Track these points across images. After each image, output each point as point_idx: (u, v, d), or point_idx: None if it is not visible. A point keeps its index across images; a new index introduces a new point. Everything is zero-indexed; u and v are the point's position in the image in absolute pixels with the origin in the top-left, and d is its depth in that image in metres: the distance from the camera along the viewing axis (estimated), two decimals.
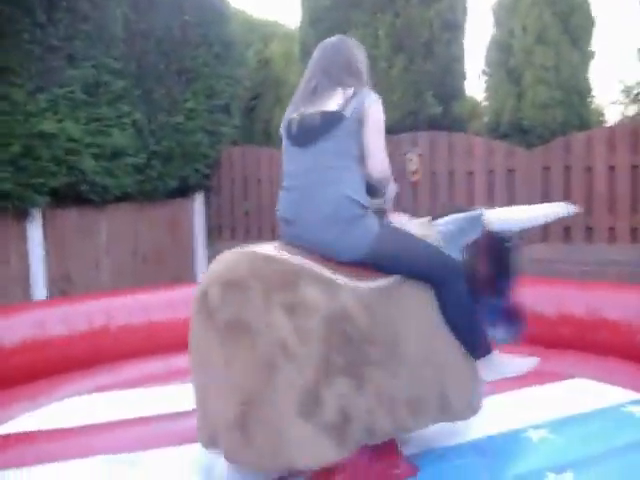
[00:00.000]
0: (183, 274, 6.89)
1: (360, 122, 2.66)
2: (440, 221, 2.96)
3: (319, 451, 2.38)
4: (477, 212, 2.95)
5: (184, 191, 6.98)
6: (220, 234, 7.27)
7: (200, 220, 7.26)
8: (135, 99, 6.11)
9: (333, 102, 2.73)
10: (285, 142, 2.83)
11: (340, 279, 2.56)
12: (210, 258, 7.19)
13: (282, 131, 2.85)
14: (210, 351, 2.43)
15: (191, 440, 3.00)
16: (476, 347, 2.79)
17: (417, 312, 2.67)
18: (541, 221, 3.06)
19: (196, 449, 2.93)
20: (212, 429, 2.46)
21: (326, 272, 2.56)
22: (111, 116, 5.83)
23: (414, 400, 2.62)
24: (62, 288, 5.63)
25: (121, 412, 3.44)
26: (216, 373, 2.42)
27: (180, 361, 4.48)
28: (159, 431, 3.18)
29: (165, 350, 4.58)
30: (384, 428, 2.55)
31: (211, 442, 2.49)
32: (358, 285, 2.58)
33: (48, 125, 5.22)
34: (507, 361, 2.90)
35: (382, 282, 2.63)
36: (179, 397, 3.65)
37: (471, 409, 2.81)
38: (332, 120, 2.67)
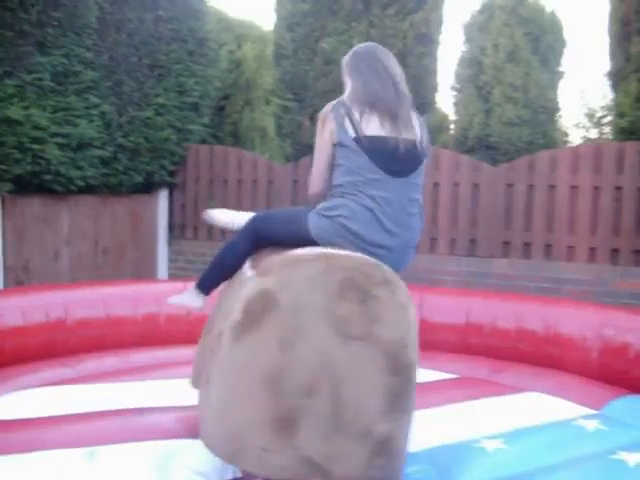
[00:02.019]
0: (143, 270, 6.82)
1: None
2: None
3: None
4: None
5: (149, 187, 6.92)
6: (182, 233, 7.22)
7: (163, 217, 7.20)
8: (105, 91, 6.04)
9: (415, 129, 2.72)
10: (365, 158, 2.60)
11: None
12: (171, 256, 7.14)
13: (355, 137, 2.62)
14: None
15: (147, 437, 2.98)
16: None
17: None
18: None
19: (152, 445, 2.92)
20: None
21: None
22: (79, 106, 5.75)
23: None
24: (19, 278, 5.53)
25: (76, 406, 3.39)
26: None
27: (137, 357, 4.47)
28: (115, 427, 3.14)
29: (123, 345, 4.54)
30: None
31: None
32: None
33: (14, 111, 5.13)
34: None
35: None
36: (136, 393, 3.63)
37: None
38: (422, 152, 2.73)
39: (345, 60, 2.89)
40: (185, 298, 3.10)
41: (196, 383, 2.96)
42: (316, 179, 2.75)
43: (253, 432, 2.38)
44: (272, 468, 2.39)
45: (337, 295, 2.39)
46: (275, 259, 2.50)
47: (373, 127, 2.62)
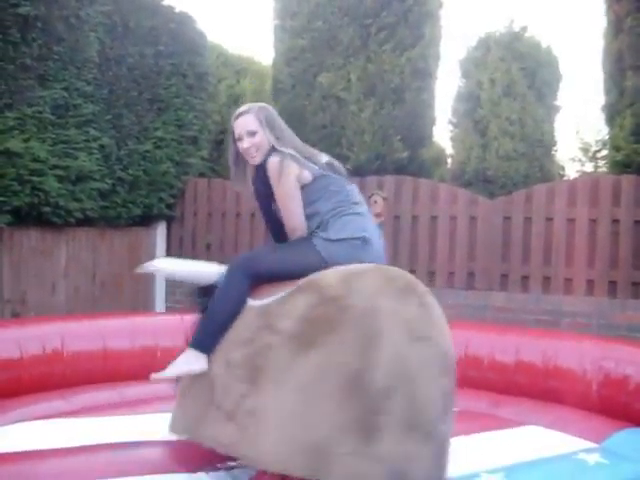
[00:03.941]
0: (141, 303, 6.80)
1: None
2: None
3: None
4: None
5: (147, 220, 6.93)
6: None
7: (161, 250, 7.19)
8: (104, 124, 6.09)
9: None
10: (336, 177, 2.95)
11: None
12: (168, 289, 7.12)
13: (320, 169, 2.93)
14: None
15: (139, 471, 2.94)
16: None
17: None
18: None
19: None
20: None
21: None
22: (79, 139, 5.78)
23: None
24: (16, 310, 5.50)
25: (71, 440, 3.35)
26: None
27: (133, 391, 4.42)
28: (108, 461, 3.09)
29: (120, 379, 4.49)
30: None
31: None
32: None
33: (14, 144, 5.16)
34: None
35: None
36: (131, 427, 3.59)
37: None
38: None
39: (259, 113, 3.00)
40: (182, 365, 2.80)
41: (180, 429, 2.92)
42: (300, 221, 2.85)
43: (338, 440, 2.38)
44: (360, 477, 2.39)
45: (402, 300, 2.58)
46: (331, 273, 2.65)
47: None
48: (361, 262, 2.74)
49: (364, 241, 2.82)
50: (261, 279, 2.80)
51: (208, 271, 3.04)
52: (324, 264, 2.74)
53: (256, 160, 2.92)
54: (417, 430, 2.42)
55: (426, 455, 2.44)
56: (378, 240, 2.91)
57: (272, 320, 2.66)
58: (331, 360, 2.45)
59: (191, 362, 2.77)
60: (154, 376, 2.83)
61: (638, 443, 3.56)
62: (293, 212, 2.84)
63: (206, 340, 2.79)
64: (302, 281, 2.68)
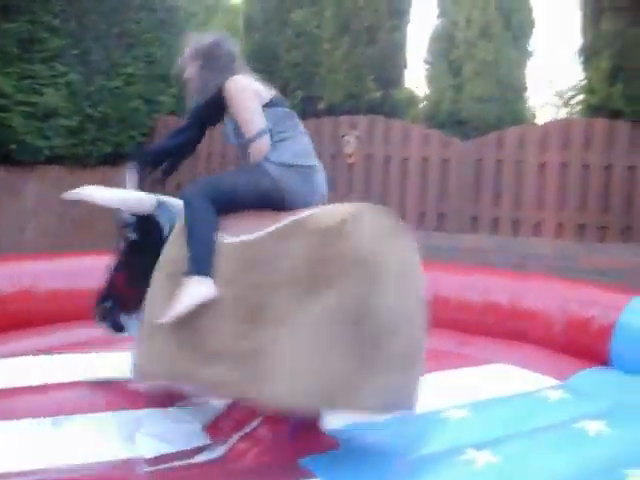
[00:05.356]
0: (110, 242, 6.74)
1: None
2: None
3: None
4: None
5: (117, 158, 6.82)
6: None
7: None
8: (72, 59, 5.92)
9: None
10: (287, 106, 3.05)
11: None
12: None
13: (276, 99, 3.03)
14: None
15: (113, 407, 2.97)
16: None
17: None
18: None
19: (119, 416, 2.91)
20: None
21: None
22: (45, 75, 5.64)
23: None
24: None
25: (42, 377, 3.36)
26: None
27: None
28: (81, 396, 3.12)
29: (89, 317, 4.48)
30: None
31: None
32: None
33: None
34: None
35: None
36: (102, 364, 3.61)
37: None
38: None
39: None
40: (195, 294, 2.61)
41: (144, 375, 2.78)
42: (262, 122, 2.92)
43: (349, 374, 2.43)
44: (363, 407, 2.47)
45: (395, 240, 2.59)
46: (327, 214, 2.60)
47: None
48: (311, 191, 2.88)
49: (314, 170, 2.92)
50: (219, 204, 2.77)
51: (141, 199, 3.08)
52: (275, 186, 2.80)
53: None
54: (411, 366, 2.54)
55: (414, 387, 2.57)
56: (322, 170, 2.99)
57: (265, 258, 2.59)
58: (342, 301, 2.44)
59: (201, 289, 2.61)
60: (169, 316, 2.61)
61: (600, 381, 3.67)
62: (253, 119, 2.87)
63: (204, 264, 2.66)
64: (291, 219, 2.63)
